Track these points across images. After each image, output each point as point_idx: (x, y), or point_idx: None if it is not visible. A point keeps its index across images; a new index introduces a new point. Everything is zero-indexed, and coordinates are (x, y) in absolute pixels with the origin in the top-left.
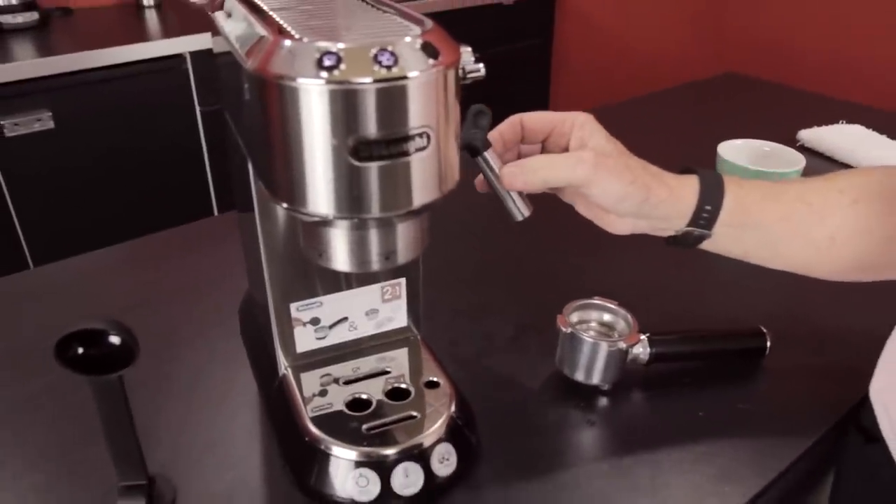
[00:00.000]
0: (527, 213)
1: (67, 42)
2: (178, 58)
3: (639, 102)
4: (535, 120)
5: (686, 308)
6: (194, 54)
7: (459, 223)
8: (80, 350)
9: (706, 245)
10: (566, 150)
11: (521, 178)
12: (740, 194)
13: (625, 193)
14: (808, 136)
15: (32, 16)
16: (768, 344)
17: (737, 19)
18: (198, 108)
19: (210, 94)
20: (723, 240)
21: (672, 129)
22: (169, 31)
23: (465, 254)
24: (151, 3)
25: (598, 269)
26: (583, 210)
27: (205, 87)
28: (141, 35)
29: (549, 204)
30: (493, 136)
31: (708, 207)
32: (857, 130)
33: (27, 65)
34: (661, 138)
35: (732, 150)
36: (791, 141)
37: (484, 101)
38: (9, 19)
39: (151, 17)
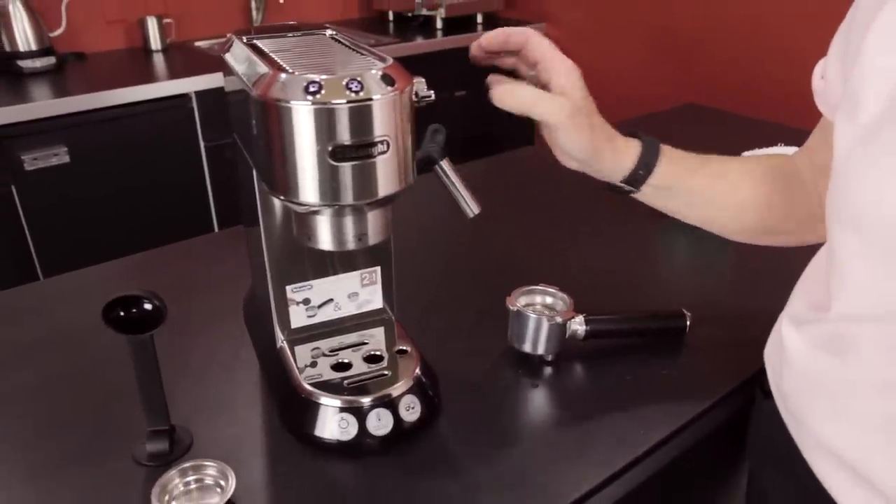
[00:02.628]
0: (477, 210)
1: (81, 84)
2: (184, 97)
3: None
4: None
5: (621, 294)
6: (199, 94)
7: (427, 231)
8: (122, 313)
9: (635, 195)
10: (545, 87)
11: (509, 98)
12: (671, 166)
13: (580, 147)
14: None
15: (49, 60)
16: (688, 323)
17: (698, 57)
18: (202, 143)
19: (213, 130)
20: (650, 196)
21: None
22: (175, 73)
23: (432, 256)
24: (159, 47)
25: (547, 264)
26: (545, 136)
27: (209, 124)
28: (149, 77)
29: (504, 212)
30: (476, 44)
31: (641, 172)
32: (793, 151)
33: (45, 105)
34: None
35: None
36: None
37: (472, 135)
38: (28, 64)
39: (159, 61)
